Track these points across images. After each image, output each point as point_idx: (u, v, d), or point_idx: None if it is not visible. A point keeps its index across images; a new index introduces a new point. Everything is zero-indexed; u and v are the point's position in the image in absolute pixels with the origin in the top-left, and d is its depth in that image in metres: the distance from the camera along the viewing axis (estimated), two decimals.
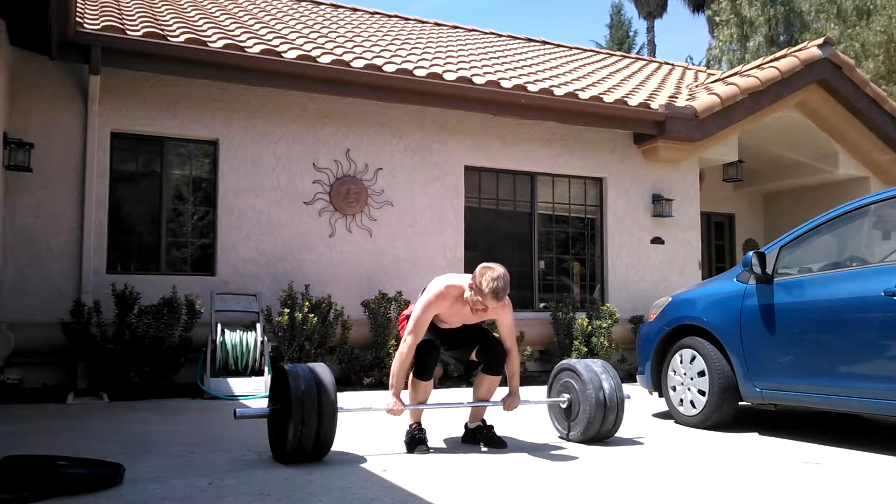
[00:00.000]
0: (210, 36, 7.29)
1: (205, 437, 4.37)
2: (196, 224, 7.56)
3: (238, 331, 6.71)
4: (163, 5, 8.81)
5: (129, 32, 6.70)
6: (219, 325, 6.67)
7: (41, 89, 6.85)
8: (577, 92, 8.57)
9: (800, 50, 9.93)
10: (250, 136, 7.57)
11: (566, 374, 4.43)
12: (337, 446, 3.76)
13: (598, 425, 4.20)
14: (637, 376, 5.71)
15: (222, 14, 9.04)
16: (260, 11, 10.00)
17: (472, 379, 4.37)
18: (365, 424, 4.79)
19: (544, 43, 13.51)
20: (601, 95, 8.70)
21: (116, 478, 3.11)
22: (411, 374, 4.06)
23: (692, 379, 5.00)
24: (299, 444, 3.50)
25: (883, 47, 18.00)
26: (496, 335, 4.38)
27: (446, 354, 4.39)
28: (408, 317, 4.10)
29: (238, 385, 6.37)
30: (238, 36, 7.67)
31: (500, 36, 13.25)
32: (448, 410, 5.06)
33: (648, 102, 8.96)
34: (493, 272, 3.80)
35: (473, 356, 4.22)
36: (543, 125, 8.76)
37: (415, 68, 7.89)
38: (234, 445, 4.08)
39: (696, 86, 10.88)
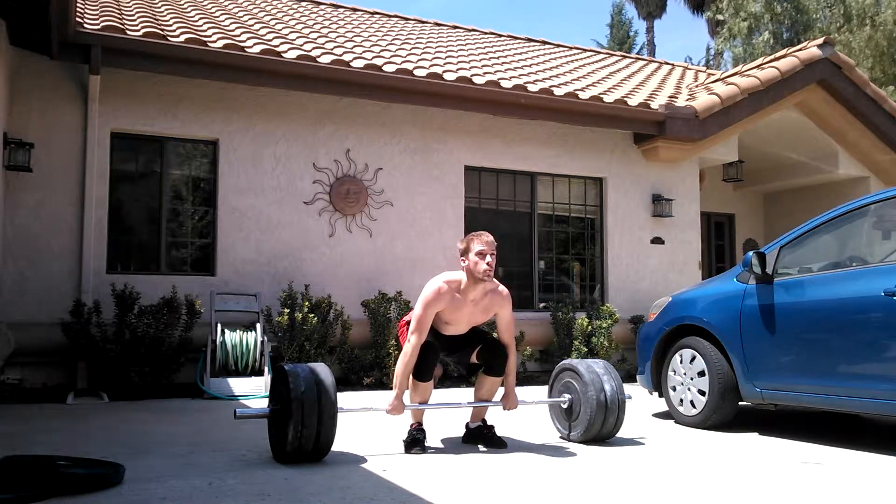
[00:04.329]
0: (210, 36, 7.29)
1: (205, 437, 4.37)
2: (196, 224, 7.56)
3: (238, 331, 6.71)
4: (163, 5, 8.82)
5: (129, 32, 6.70)
6: (219, 325, 6.67)
7: (41, 89, 6.85)
8: (577, 92, 8.57)
9: (800, 50, 9.93)
10: (250, 136, 7.57)
11: (567, 374, 4.43)
12: (337, 446, 3.76)
13: (599, 426, 4.20)
14: (637, 376, 5.71)
15: (222, 14, 9.04)
16: (260, 11, 10.00)
17: (473, 379, 4.38)
18: (365, 424, 4.79)
19: (544, 43, 13.51)
20: (601, 95, 8.70)
21: (116, 478, 3.11)
22: (410, 376, 4.05)
23: (692, 379, 5.00)
24: (299, 445, 3.50)
25: (871, 54, 17.98)
26: (496, 336, 4.39)
27: (447, 359, 4.40)
28: (407, 323, 4.10)
29: (238, 385, 6.37)
30: (238, 36, 7.67)
31: (500, 36, 13.25)
32: (449, 411, 5.06)
33: (648, 102, 8.96)
34: (470, 234, 4.11)
35: (474, 358, 4.22)
36: (543, 125, 8.76)
37: (415, 68, 7.89)
38: (234, 445, 4.08)
39: (696, 86, 10.88)
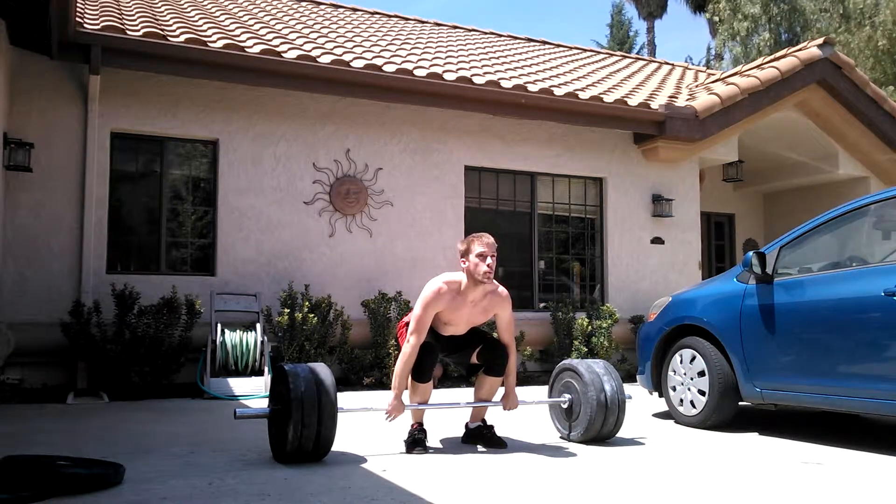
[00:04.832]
0: (210, 36, 7.29)
1: (205, 437, 4.37)
2: (196, 224, 7.56)
3: (238, 331, 6.71)
4: (163, 5, 8.82)
5: (129, 32, 6.70)
6: (219, 325, 6.67)
7: (41, 89, 6.85)
8: (577, 92, 8.57)
9: (800, 50, 9.93)
10: (250, 136, 7.57)
11: (567, 374, 4.43)
12: (337, 446, 3.75)
13: (599, 426, 4.20)
14: (637, 376, 5.71)
15: (222, 14, 9.04)
16: (260, 11, 10.00)
17: (473, 379, 4.38)
18: (365, 424, 4.79)
19: (544, 43, 13.51)
20: (601, 95, 8.70)
21: (116, 478, 3.11)
22: (410, 377, 4.05)
23: (692, 379, 4.99)
24: (299, 445, 3.50)
25: (871, 54, 17.99)
26: (496, 336, 4.39)
27: (447, 359, 4.40)
28: (406, 324, 4.09)
29: (238, 385, 6.37)
30: (238, 36, 7.67)
31: (500, 36, 13.25)
32: (449, 411, 5.06)
33: (648, 102, 8.96)
34: (470, 235, 4.10)
35: (474, 358, 4.22)
36: (543, 125, 8.76)
37: (415, 68, 7.89)
38: (234, 445, 4.08)
39: (696, 86, 10.88)
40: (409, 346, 3.92)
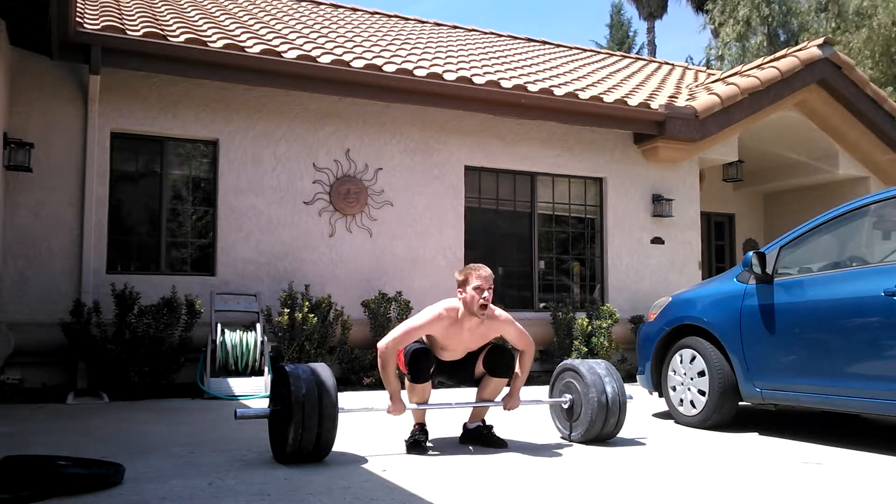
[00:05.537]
0: (210, 36, 7.29)
1: (205, 437, 4.37)
2: (196, 224, 7.56)
3: (238, 331, 6.71)
4: (163, 5, 8.82)
5: (129, 32, 6.70)
6: (219, 325, 6.67)
7: (41, 89, 6.85)
8: (577, 92, 8.57)
9: (800, 50, 9.93)
10: (250, 136, 7.57)
11: (569, 374, 4.43)
12: (337, 446, 3.75)
13: (600, 427, 4.20)
14: (637, 376, 5.71)
15: (222, 14, 9.04)
16: (260, 11, 10.00)
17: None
18: (365, 424, 4.79)
19: (544, 43, 13.51)
20: (601, 95, 8.70)
21: (116, 478, 3.11)
22: (407, 380, 4.05)
23: (692, 379, 4.99)
24: (299, 446, 3.50)
25: (870, 55, 18.02)
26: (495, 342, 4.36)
27: (449, 381, 4.40)
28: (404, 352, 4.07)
29: (238, 385, 6.37)
30: (238, 36, 7.67)
31: (500, 36, 13.25)
32: (451, 410, 5.06)
33: (648, 102, 8.95)
34: (468, 265, 4.08)
35: (480, 366, 4.19)
36: (543, 125, 8.76)
37: (415, 68, 7.89)
38: (234, 445, 4.08)
39: (697, 86, 10.88)
40: (387, 350, 3.88)
